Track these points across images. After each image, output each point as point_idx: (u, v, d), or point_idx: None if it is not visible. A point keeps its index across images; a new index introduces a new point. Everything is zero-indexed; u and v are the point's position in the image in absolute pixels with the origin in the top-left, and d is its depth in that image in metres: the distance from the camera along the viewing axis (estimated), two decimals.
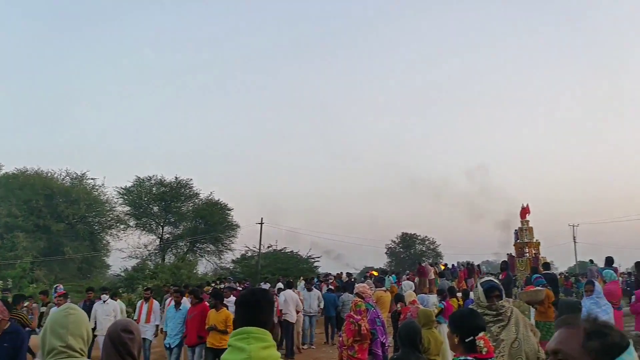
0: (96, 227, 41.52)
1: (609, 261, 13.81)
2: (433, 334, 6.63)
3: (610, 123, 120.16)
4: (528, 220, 27.72)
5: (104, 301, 11.54)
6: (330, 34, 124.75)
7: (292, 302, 13.06)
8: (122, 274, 33.37)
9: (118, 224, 41.91)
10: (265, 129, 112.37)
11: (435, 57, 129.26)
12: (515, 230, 27.97)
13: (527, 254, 26.33)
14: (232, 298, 11.58)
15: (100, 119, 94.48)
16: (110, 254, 42.43)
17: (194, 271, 35.35)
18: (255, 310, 2.51)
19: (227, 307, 9.90)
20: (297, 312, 13.44)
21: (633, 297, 10.41)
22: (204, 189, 45.67)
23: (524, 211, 27.97)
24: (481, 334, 3.14)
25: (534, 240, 27.21)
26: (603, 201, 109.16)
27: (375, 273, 29.18)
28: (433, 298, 13.22)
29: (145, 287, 15.66)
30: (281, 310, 12.97)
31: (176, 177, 44.23)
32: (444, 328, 8.21)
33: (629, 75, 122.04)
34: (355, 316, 6.86)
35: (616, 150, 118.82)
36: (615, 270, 15.10)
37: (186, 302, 10.42)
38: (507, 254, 27.23)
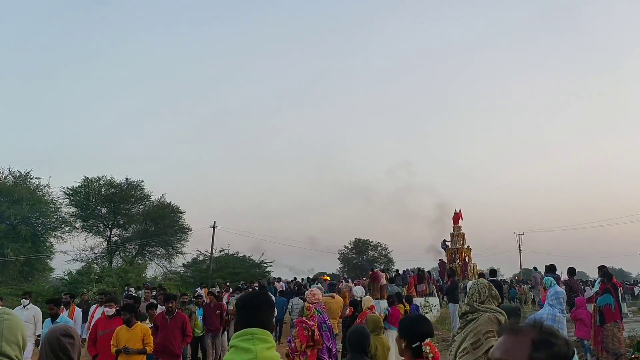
0: (39, 229, 39.88)
1: (551, 268, 14.29)
2: (380, 339, 6.71)
3: (555, 135, 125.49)
4: (460, 226, 28.18)
5: (24, 306, 10.33)
6: (250, 42, 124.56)
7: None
8: (66, 277, 32.15)
9: (63, 226, 40.48)
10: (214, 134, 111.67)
11: (351, 60, 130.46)
12: (444, 241, 28.43)
13: (458, 260, 26.71)
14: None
15: (46, 116, 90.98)
16: (53, 256, 40.91)
17: (143, 275, 34.51)
18: (258, 312, 2.59)
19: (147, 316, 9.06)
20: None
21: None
22: (156, 191, 44.68)
23: (457, 217, 28.46)
24: (428, 340, 3.21)
25: (466, 247, 27.69)
26: (547, 211, 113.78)
27: (327, 278, 29.27)
28: (384, 304, 13.38)
29: (64, 292, 14.99)
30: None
31: (127, 179, 43.20)
32: (390, 334, 8.35)
33: (577, 82, 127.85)
34: (309, 322, 6.86)
35: (562, 161, 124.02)
36: (558, 277, 15.71)
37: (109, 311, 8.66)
38: (439, 260, 27.59)
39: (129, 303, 8.39)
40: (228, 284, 26.23)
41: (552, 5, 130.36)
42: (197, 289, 21.85)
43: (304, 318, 7.16)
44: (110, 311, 7.75)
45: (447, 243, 28.50)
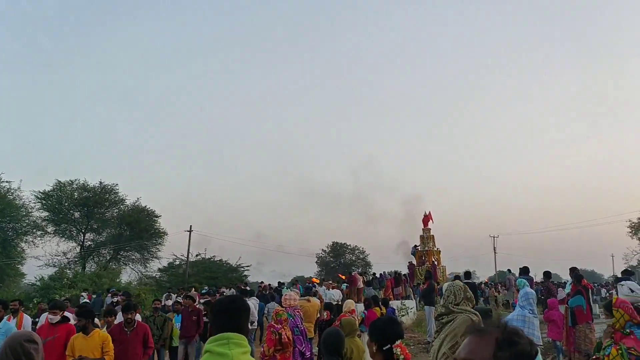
0: (10, 233, 38.83)
1: (524, 270, 14.52)
2: (355, 342, 6.68)
3: (529, 140, 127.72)
4: (430, 228, 28.28)
5: None
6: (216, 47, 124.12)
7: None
8: (38, 283, 31.47)
9: (35, 230, 39.49)
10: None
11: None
12: (414, 246, 28.48)
13: (427, 263, 26.73)
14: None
15: (16, 118, 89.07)
16: (25, 262, 39.85)
17: (117, 280, 34.01)
18: (235, 317, 2.59)
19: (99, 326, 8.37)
20: (252, 322, 13.16)
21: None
22: (131, 195, 44.12)
23: (426, 219, 28.56)
24: (398, 342, 3.20)
25: (435, 249, 27.78)
26: (522, 214, 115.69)
27: (316, 280, 29.21)
28: (361, 307, 13.39)
29: (13, 298, 14.44)
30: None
31: (100, 182, 42.56)
32: (367, 337, 8.36)
33: (555, 87, 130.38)
34: (276, 325, 6.83)
35: (536, 166, 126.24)
36: (531, 279, 15.96)
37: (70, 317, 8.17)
38: (408, 263, 27.67)
39: (86, 309, 7.76)
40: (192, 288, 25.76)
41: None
42: (170, 294, 21.40)
43: (272, 322, 7.13)
44: (55, 318, 7.15)
45: (417, 247, 28.59)
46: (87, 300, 19.94)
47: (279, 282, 27.82)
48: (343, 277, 29.62)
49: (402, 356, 3.20)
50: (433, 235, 28.05)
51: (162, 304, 13.67)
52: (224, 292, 21.86)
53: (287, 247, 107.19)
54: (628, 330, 4.62)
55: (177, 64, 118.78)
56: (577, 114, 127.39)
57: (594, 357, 4.57)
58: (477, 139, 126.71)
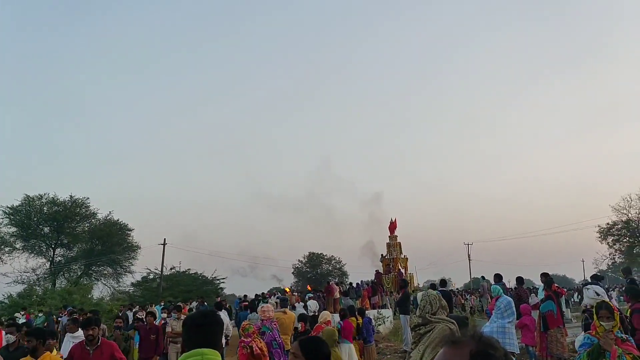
0: None
1: (498, 277, 14.68)
2: (334, 352, 6.70)
3: (500, 147, 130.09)
4: (396, 236, 28.21)
5: None
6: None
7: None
8: (6, 300, 30.57)
9: (2, 247, 38.51)
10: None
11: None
12: (382, 255, 28.42)
13: (393, 271, 26.56)
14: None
15: None
16: None
17: (89, 296, 33.27)
18: (208, 332, 2.54)
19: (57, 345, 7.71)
20: (227, 336, 12.89)
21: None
22: (102, 209, 43.35)
23: (392, 226, 28.51)
24: None
25: (402, 256, 27.68)
26: (495, 221, 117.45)
27: (287, 290, 28.99)
28: (337, 317, 13.37)
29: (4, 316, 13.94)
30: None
31: (71, 196, 41.81)
32: (343, 347, 8.35)
33: (523, 92, 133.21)
34: (245, 339, 6.77)
35: (507, 173, 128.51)
36: (504, 286, 16.15)
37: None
38: (375, 271, 27.59)
39: (37, 327, 7.26)
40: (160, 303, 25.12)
41: None
42: (136, 310, 20.65)
43: (242, 338, 7.06)
44: (12, 338, 6.80)
45: (383, 256, 28.59)
46: (25, 321, 18.80)
47: (256, 295, 27.56)
48: (310, 288, 29.49)
49: None
50: (400, 243, 27.89)
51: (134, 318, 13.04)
52: (193, 306, 21.46)
53: (261, 259, 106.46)
54: (625, 337, 4.63)
55: (152, 69, 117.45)
56: (547, 123, 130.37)
57: None
58: (450, 147, 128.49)
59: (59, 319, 20.23)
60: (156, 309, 18.50)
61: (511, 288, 26.67)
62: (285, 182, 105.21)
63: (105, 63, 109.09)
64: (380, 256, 28.71)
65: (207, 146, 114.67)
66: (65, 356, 7.60)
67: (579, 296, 33.42)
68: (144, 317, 11.71)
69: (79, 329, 8.57)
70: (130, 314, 18.31)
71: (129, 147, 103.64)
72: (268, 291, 32.57)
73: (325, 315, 9.77)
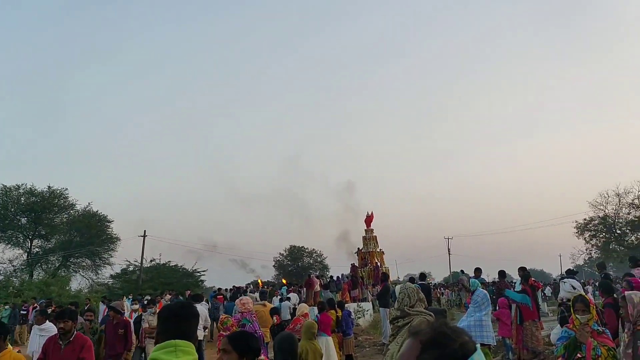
0: None
1: (478, 271, 14.90)
2: (313, 345, 6.71)
3: (479, 141, 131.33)
4: (372, 229, 28.20)
5: None
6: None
7: (200, 317, 12.31)
8: None
9: None
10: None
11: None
12: (358, 249, 28.45)
13: (370, 264, 26.56)
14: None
15: None
16: None
17: (67, 288, 32.92)
18: (182, 323, 2.51)
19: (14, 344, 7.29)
20: (205, 328, 12.86)
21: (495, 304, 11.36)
22: (81, 199, 42.80)
23: (369, 219, 28.51)
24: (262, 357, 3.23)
25: (378, 250, 27.71)
26: (474, 216, 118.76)
27: (285, 281, 28.94)
28: (316, 310, 13.43)
29: None
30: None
31: (49, 187, 41.22)
32: (320, 340, 8.38)
33: (507, 86, 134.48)
34: (224, 333, 6.76)
35: (486, 167, 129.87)
36: (484, 280, 16.41)
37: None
38: (351, 264, 27.65)
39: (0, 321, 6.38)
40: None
41: None
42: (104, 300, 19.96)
43: (220, 332, 7.03)
44: None
45: (359, 249, 28.65)
46: None
47: (234, 287, 27.48)
48: (285, 281, 29.49)
49: None
50: (376, 236, 27.79)
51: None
52: (168, 298, 21.27)
53: (239, 252, 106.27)
54: (601, 329, 4.71)
55: (138, 59, 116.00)
56: (525, 117, 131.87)
57: (577, 356, 4.56)
58: (427, 140, 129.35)
59: (22, 312, 19.89)
60: (127, 302, 18.24)
61: (491, 282, 27.04)
62: (256, 177, 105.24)
63: (84, 60, 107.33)
64: (357, 249, 28.74)
65: (177, 141, 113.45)
66: (33, 349, 7.33)
67: (551, 290, 34.05)
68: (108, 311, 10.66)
69: (47, 321, 8.37)
70: (102, 308, 17.75)
71: (108, 139, 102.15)
72: (247, 284, 32.56)
73: (303, 307, 9.80)
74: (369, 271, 25.96)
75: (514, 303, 10.80)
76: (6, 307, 21.01)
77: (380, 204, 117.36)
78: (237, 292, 22.49)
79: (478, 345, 1.29)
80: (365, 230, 28.29)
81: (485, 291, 10.51)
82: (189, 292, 23.55)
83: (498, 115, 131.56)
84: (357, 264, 27.24)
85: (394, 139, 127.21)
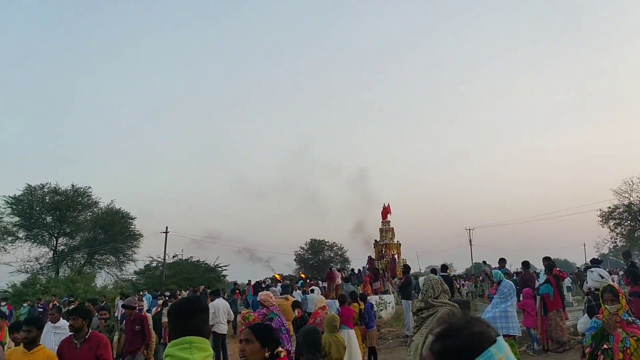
0: None
1: (502, 262, 14.70)
2: (336, 338, 6.72)
3: (501, 130, 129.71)
4: (389, 221, 27.81)
5: None
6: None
7: (222, 311, 12.39)
8: (10, 290, 30.79)
9: (5, 236, 38.63)
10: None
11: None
12: (375, 241, 28.15)
13: (387, 257, 26.24)
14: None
15: None
16: None
17: (92, 284, 33.48)
18: (193, 318, 2.48)
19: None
20: (228, 322, 12.93)
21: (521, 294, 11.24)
22: (104, 197, 43.42)
23: (385, 211, 28.13)
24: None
25: (395, 242, 27.37)
26: (496, 206, 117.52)
27: (278, 277, 29.03)
28: (338, 303, 13.44)
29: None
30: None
31: (73, 185, 41.89)
32: (342, 333, 8.38)
33: (523, 79, 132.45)
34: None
35: (509, 156, 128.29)
36: (508, 270, 16.21)
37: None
38: (368, 257, 27.44)
39: (35, 316, 6.49)
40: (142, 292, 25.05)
41: None
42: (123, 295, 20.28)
43: (242, 327, 7.06)
44: None
45: (376, 241, 28.42)
46: (7, 312, 18.08)
47: (257, 282, 27.65)
48: (303, 275, 29.50)
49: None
50: (392, 228, 27.54)
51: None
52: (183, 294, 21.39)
53: (261, 246, 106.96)
54: (631, 319, 4.55)
55: (158, 54, 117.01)
56: (548, 106, 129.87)
57: (603, 347, 4.44)
58: (452, 133, 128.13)
59: (39, 309, 20.06)
60: (145, 298, 18.37)
61: (515, 272, 26.69)
62: (268, 171, 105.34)
63: (104, 60, 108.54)
64: (374, 241, 28.57)
65: (191, 138, 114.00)
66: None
67: (570, 281, 33.52)
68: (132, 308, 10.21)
69: (61, 319, 8.08)
70: (120, 304, 17.32)
71: (126, 139, 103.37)
72: (264, 279, 32.72)
73: (321, 300, 9.82)
74: (386, 263, 25.80)
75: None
76: (25, 304, 21.28)
77: (398, 196, 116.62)
78: (259, 286, 22.62)
79: (500, 338, 1.26)
80: (381, 222, 28.05)
81: (511, 282, 10.41)
82: (202, 287, 23.77)
83: (519, 104, 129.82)
84: (374, 256, 27.10)
85: (412, 128, 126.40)
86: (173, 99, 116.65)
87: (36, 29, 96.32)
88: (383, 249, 27.10)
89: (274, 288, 19.49)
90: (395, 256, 26.57)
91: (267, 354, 3.09)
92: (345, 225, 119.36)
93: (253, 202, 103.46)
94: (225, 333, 12.47)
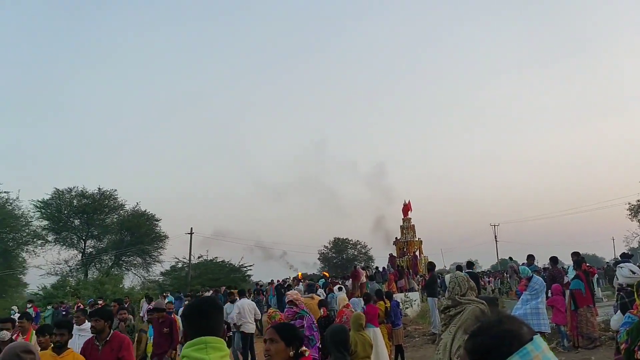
0: (10, 244, 38.82)
1: (531, 258, 14.46)
2: (362, 336, 6.70)
3: (526, 125, 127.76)
4: (410, 218, 27.49)
5: None
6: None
7: (248, 311, 12.47)
8: (41, 292, 31.50)
9: (35, 240, 39.55)
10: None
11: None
12: (395, 238, 27.87)
13: (408, 254, 25.96)
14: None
15: (13, 127, 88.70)
16: (27, 271, 39.93)
17: (120, 286, 34.02)
18: (206, 319, 2.49)
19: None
20: (257, 320, 12.99)
21: (549, 290, 11.04)
22: (130, 200, 44.11)
23: (406, 208, 27.80)
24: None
25: (416, 239, 27.02)
26: (521, 201, 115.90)
27: (326, 274, 29.06)
28: (363, 302, 13.40)
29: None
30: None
31: (99, 188, 42.66)
32: (369, 331, 8.36)
33: (547, 72, 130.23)
34: None
35: (533, 151, 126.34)
36: (536, 267, 15.89)
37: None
38: (389, 255, 27.19)
39: (67, 320, 6.42)
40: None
41: None
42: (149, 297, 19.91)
43: (269, 325, 7.08)
44: (5, 335, 5.89)
45: (397, 239, 28.17)
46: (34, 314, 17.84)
47: (280, 281, 27.76)
48: (327, 274, 29.48)
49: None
50: (413, 225, 27.29)
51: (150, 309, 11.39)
52: (201, 294, 21.55)
53: (284, 246, 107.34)
54: None
55: (182, 59, 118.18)
56: (573, 99, 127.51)
57: (622, 346, 4.34)
58: (475, 127, 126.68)
59: (62, 312, 20.09)
60: (167, 299, 18.45)
61: (543, 268, 26.22)
62: (284, 170, 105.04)
63: (121, 63, 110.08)
64: (395, 239, 28.38)
65: (206, 138, 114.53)
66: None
67: (606, 277, 32.77)
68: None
69: (86, 321, 7.88)
70: (145, 306, 17.68)
71: (142, 140, 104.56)
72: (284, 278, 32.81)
73: (343, 299, 9.81)
74: (407, 261, 25.62)
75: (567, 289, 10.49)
76: (48, 307, 21.51)
77: (422, 192, 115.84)
78: (281, 287, 22.70)
79: (537, 336, 1.25)
80: (402, 219, 27.85)
81: (541, 279, 10.24)
82: (223, 288, 23.92)
83: (545, 98, 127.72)
84: (395, 254, 26.93)
85: (436, 125, 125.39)
86: (188, 99, 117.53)
87: (57, 31, 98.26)
88: (404, 247, 26.93)
89: (299, 287, 19.54)
90: (417, 253, 26.37)
91: (291, 353, 3.10)
92: (366, 223, 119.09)
93: (272, 202, 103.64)
94: (253, 332, 12.51)
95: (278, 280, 29.79)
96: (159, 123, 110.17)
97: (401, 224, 27.83)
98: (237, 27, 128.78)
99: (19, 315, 11.98)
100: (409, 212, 27.88)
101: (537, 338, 1.24)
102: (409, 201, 28.12)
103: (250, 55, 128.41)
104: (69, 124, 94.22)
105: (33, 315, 14.84)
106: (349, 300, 11.57)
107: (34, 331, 6.52)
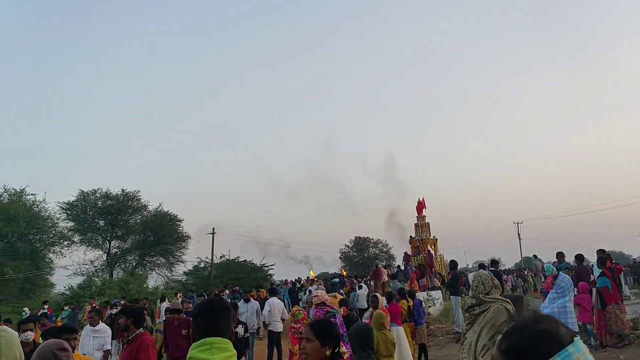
0: (38, 245, 39.75)
1: (561, 256, 14.15)
2: (384, 335, 6.70)
3: (549, 120, 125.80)
4: (424, 216, 27.11)
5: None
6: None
7: (277, 310, 12.52)
8: (67, 292, 32.10)
9: (61, 241, 40.40)
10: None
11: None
12: (410, 237, 27.55)
13: (423, 252, 25.62)
14: None
15: (38, 130, 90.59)
16: (54, 272, 40.82)
17: (144, 285, 34.50)
18: (215, 319, 2.48)
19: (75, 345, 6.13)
20: (283, 320, 13.06)
21: (576, 288, 10.88)
22: (153, 200, 44.70)
23: (420, 206, 27.41)
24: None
25: (431, 237, 26.68)
26: (544, 198, 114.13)
27: (345, 273, 29.05)
28: (385, 300, 13.36)
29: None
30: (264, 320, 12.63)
31: (123, 190, 43.27)
32: (392, 330, 8.35)
33: (568, 66, 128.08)
34: (295, 325, 6.83)
35: (556, 147, 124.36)
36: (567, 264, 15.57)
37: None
38: (404, 253, 26.94)
39: (72, 325, 6.07)
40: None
41: None
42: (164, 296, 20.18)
43: (291, 323, 7.11)
44: (29, 336, 5.63)
45: (411, 237, 27.93)
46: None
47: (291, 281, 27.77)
48: (345, 272, 29.41)
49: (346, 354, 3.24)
50: (428, 223, 26.96)
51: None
52: (213, 293, 21.55)
53: (304, 245, 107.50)
54: None
55: (201, 58, 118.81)
56: (593, 96, 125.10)
57: None
58: (495, 125, 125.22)
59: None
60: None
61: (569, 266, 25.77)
62: (297, 168, 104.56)
63: (141, 66, 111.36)
64: (409, 237, 28.15)
65: (219, 138, 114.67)
66: (84, 352, 7.02)
67: (633, 274, 32.05)
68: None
69: (100, 322, 7.77)
70: (163, 306, 17.31)
71: (164, 144, 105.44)
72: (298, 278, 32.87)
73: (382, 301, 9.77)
74: (422, 259, 25.42)
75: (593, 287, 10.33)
76: (66, 307, 21.71)
77: (442, 191, 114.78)
78: (294, 287, 22.78)
79: (577, 338, 1.21)
80: (417, 217, 27.61)
81: (568, 276, 10.09)
82: (237, 287, 24.03)
83: (567, 93, 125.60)
84: (410, 253, 26.76)
85: (455, 118, 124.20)
86: (197, 101, 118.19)
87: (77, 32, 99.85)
88: (419, 245, 26.73)
89: (314, 287, 19.59)
90: (432, 252, 26.14)
91: (327, 353, 3.00)
92: (383, 222, 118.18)
93: (288, 201, 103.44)
94: (281, 331, 12.55)
95: (291, 280, 29.90)
96: (175, 125, 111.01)
97: (415, 222, 27.61)
98: (238, 27, 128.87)
99: (27, 316, 11.99)
100: (423, 210, 27.62)
101: (578, 340, 1.21)
102: (423, 199, 27.83)
103: (251, 55, 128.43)
104: (92, 127, 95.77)
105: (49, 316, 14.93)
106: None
107: (40, 333, 6.38)
